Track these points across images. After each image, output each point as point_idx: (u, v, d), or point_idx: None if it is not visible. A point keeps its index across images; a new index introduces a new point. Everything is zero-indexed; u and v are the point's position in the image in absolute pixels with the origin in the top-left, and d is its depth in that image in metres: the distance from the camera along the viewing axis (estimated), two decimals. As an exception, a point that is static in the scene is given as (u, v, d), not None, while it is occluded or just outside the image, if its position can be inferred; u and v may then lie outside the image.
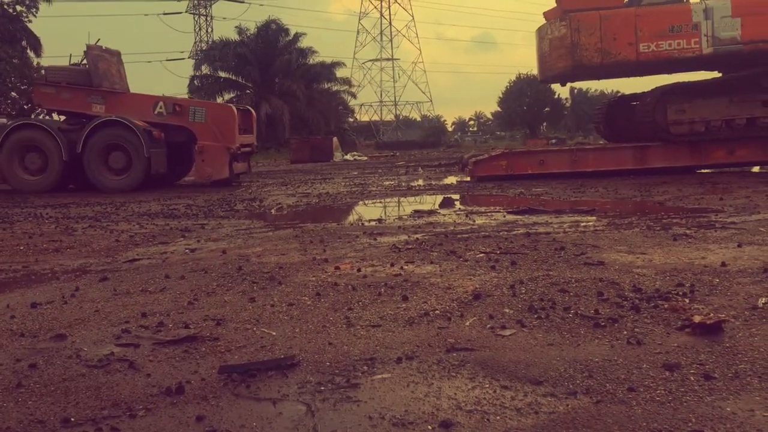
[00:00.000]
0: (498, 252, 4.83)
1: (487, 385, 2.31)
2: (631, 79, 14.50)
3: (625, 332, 2.83)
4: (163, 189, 14.03)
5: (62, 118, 15.27)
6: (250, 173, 17.02)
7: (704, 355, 2.52)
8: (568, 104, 76.63)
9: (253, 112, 15.38)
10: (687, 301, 3.26)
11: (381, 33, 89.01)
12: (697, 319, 2.84)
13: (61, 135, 13.76)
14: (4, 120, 15.37)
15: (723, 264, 4.09)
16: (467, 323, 3.06)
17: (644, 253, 4.60)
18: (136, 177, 13.69)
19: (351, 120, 56.56)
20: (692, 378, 2.30)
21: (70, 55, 15.57)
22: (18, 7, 33.88)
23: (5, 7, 32.51)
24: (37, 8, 35.15)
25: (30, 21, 35.19)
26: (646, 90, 13.48)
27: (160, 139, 13.83)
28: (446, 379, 2.39)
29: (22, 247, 6.11)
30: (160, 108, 14.31)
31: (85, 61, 14.86)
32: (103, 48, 15.31)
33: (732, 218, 6.33)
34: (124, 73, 15.92)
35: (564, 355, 2.57)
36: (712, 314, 2.95)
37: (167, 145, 14.06)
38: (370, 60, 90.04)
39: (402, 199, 10.66)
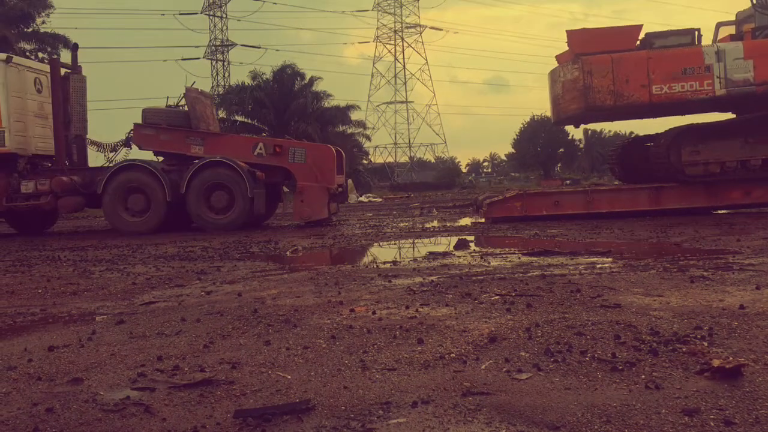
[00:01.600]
0: (513, 294, 4.81)
1: (504, 430, 2.29)
2: (645, 120, 14.53)
3: (643, 376, 2.80)
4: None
5: (160, 159, 15.23)
6: (339, 213, 17.10)
7: (724, 400, 2.48)
8: (582, 145, 76.81)
9: (342, 152, 15.55)
10: (705, 344, 3.22)
11: (395, 76, 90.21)
12: (716, 363, 2.81)
13: (165, 175, 13.81)
14: None
15: (741, 306, 4.05)
16: (483, 367, 3.04)
17: (661, 296, 4.56)
18: (239, 217, 13.79)
19: (366, 162, 56.92)
20: (712, 423, 2.27)
21: (167, 98, 15.70)
22: (40, 54, 34.78)
23: (27, 54, 33.33)
24: (59, 57, 36.07)
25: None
26: (660, 131, 13.53)
27: (261, 180, 13.98)
28: (462, 423, 2.37)
29: (40, 290, 6.17)
30: (260, 149, 14.44)
31: (183, 103, 15.04)
32: (199, 90, 15.55)
33: (750, 260, 6.27)
34: (216, 115, 16.09)
35: (581, 400, 2.55)
36: (731, 358, 2.91)
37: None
38: (385, 103, 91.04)
39: (417, 240, 10.67)
